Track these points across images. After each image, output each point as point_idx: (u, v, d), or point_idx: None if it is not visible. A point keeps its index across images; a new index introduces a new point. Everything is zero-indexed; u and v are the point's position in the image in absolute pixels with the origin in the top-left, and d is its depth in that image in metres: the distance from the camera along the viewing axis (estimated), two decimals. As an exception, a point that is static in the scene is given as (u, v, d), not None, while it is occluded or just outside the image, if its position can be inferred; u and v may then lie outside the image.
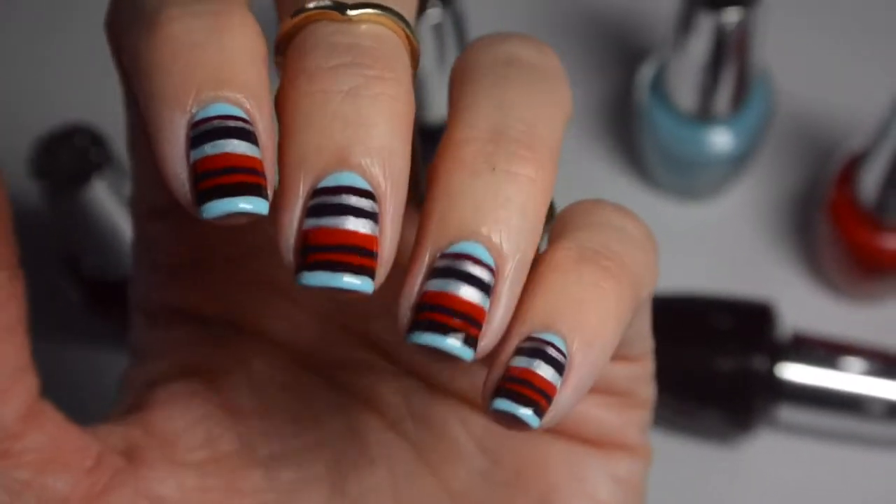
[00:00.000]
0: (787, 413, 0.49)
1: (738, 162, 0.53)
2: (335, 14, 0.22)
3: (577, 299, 0.23)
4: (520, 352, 0.23)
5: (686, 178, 0.55)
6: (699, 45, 0.48)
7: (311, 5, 0.22)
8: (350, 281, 0.21)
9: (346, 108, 0.22)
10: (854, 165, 0.50)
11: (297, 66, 0.22)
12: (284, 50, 0.23)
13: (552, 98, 0.24)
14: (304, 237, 0.22)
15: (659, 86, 0.53)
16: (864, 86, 0.58)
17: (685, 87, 0.51)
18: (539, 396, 0.22)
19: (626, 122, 0.58)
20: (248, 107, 0.22)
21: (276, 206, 0.22)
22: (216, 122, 0.21)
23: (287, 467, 0.29)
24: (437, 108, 0.51)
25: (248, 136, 0.22)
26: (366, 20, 0.22)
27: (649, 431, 0.30)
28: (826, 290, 0.54)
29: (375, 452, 0.29)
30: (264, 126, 0.22)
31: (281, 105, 0.22)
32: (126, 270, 0.47)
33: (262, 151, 0.22)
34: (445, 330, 0.22)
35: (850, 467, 0.51)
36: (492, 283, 0.22)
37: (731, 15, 0.47)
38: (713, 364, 0.48)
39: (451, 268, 0.22)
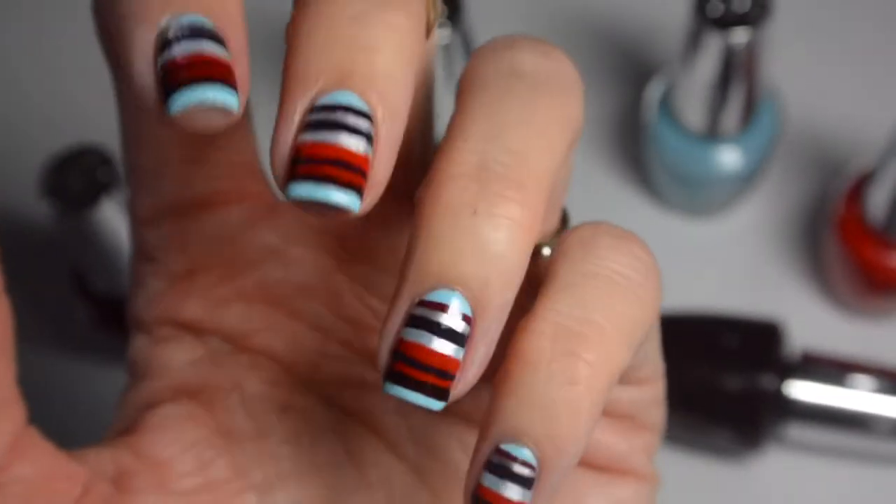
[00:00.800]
0: (796, 431, 0.49)
1: (746, 180, 0.53)
2: None
3: (545, 404, 0.23)
4: (489, 467, 0.23)
5: (694, 195, 0.55)
6: (707, 63, 0.48)
7: None
8: (337, 195, 0.21)
9: (353, 31, 0.21)
10: (862, 183, 0.50)
11: None
12: None
13: (556, 115, 0.23)
14: (297, 150, 0.21)
15: (667, 104, 0.53)
16: (873, 103, 0.58)
17: (693, 105, 0.51)
18: None
19: (634, 140, 0.58)
20: (219, 22, 0.21)
21: (276, 124, 0.22)
22: (185, 30, 0.21)
23: (282, 491, 0.28)
24: (446, 128, 0.51)
25: (219, 40, 0.21)
26: None
27: (656, 456, 0.29)
28: (834, 308, 0.54)
29: (374, 476, 0.28)
30: (235, 34, 0.22)
31: (289, 29, 0.22)
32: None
33: (234, 55, 0.22)
34: (415, 385, 0.22)
35: (859, 485, 0.50)
36: (467, 332, 0.22)
37: (740, 35, 0.47)
38: (722, 382, 0.48)
39: (425, 318, 0.22)
